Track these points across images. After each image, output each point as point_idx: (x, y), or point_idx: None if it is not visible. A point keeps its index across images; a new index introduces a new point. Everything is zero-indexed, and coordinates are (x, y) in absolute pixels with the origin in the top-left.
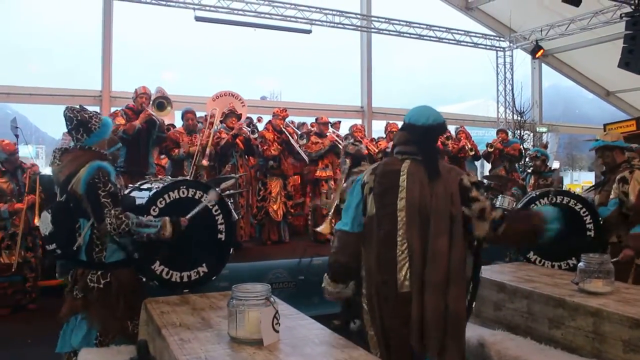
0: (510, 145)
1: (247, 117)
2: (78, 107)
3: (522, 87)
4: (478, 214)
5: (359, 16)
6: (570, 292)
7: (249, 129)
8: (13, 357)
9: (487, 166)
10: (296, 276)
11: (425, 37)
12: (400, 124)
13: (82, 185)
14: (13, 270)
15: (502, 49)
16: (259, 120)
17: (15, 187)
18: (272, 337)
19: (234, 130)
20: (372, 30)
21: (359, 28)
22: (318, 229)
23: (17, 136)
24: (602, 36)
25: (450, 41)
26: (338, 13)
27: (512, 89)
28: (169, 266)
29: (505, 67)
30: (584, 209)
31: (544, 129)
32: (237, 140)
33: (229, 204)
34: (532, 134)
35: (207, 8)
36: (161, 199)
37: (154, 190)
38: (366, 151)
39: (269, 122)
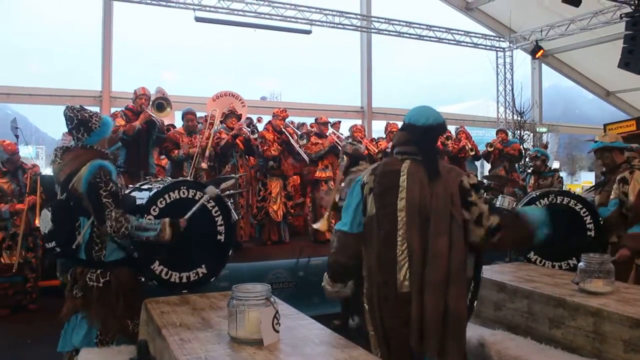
0: (510, 145)
1: (247, 118)
2: (78, 106)
3: (522, 88)
4: (475, 219)
5: (358, 16)
6: (570, 292)
7: (249, 129)
8: (13, 357)
9: (487, 166)
10: (296, 276)
11: (425, 38)
12: (400, 124)
13: (83, 184)
14: (14, 270)
15: (502, 49)
16: (259, 120)
17: (16, 188)
18: (272, 337)
19: (234, 131)
20: (372, 30)
21: (359, 28)
22: (315, 226)
23: (17, 136)
24: (602, 36)
25: (450, 41)
26: (338, 13)
27: (512, 89)
28: (169, 266)
29: (505, 68)
30: (584, 209)
31: (544, 129)
32: (237, 140)
33: (229, 204)
34: (532, 134)
35: (207, 8)
36: (161, 199)
37: (155, 190)
38: (366, 151)
39: (269, 122)
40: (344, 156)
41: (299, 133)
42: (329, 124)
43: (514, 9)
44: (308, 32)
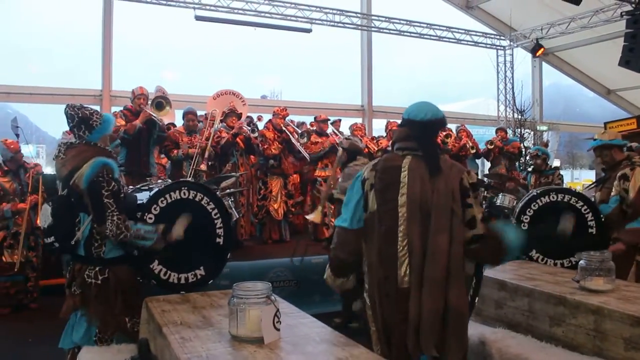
0: (510, 143)
1: (248, 116)
2: (78, 104)
3: (523, 86)
4: (467, 222)
5: (359, 15)
6: (571, 290)
7: (249, 128)
8: (15, 356)
9: (487, 164)
10: (297, 274)
11: (425, 36)
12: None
13: (84, 181)
14: (16, 269)
15: (502, 48)
16: (259, 119)
17: (18, 187)
18: (273, 335)
19: (234, 129)
20: (373, 29)
21: (360, 27)
22: (308, 217)
23: (17, 136)
24: (603, 34)
25: (451, 40)
26: (338, 12)
27: (513, 87)
28: (168, 266)
29: (505, 66)
30: (585, 207)
31: (544, 128)
32: (238, 139)
33: (230, 202)
34: (532, 133)
35: (207, 7)
36: (162, 198)
37: (156, 190)
38: (366, 149)
39: (269, 121)
40: (341, 149)
41: (299, 132)
42: (329, 122)
43: (514, 7)
44: (308, 30)
